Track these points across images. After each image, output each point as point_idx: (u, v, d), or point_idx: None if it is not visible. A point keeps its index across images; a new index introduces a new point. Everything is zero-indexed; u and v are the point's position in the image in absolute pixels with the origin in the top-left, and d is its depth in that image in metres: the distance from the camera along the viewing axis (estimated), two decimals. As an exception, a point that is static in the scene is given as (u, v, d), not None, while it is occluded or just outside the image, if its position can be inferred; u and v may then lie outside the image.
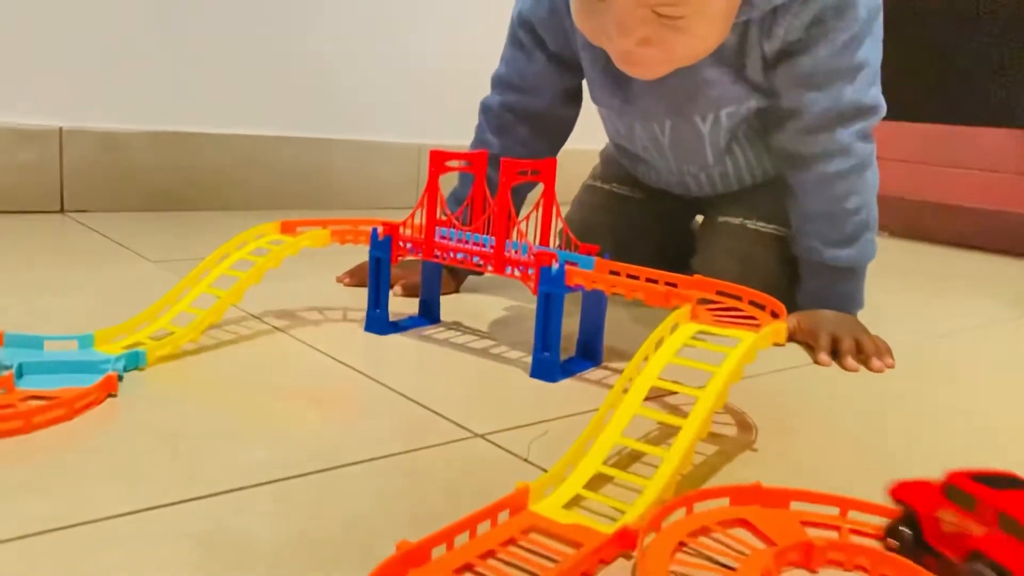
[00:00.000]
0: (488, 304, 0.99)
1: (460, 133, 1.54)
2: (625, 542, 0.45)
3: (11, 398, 0.58)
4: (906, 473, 0.60)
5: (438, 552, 0.42)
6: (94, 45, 1.37)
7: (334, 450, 0.55)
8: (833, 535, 0.48)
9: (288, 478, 0.51)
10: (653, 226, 1.10)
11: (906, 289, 1.32)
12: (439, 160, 0.79)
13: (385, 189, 1.73)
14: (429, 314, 0.89)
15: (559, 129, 1.02)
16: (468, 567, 0.42)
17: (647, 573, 0.41)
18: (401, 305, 0.92)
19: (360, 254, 1.06)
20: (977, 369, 0.90)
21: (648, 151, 1.01)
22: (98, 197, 1.39)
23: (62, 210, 1.36)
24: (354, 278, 1.03)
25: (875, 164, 0.92)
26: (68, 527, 0.43)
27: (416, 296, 0.93)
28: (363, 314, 0.88)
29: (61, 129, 1.34)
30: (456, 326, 0.88)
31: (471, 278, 1.07)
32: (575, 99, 1.02)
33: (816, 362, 0.85)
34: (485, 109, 1.01)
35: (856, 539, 0.48)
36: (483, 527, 0.45)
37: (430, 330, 0.86)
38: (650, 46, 0.77)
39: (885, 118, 0.92)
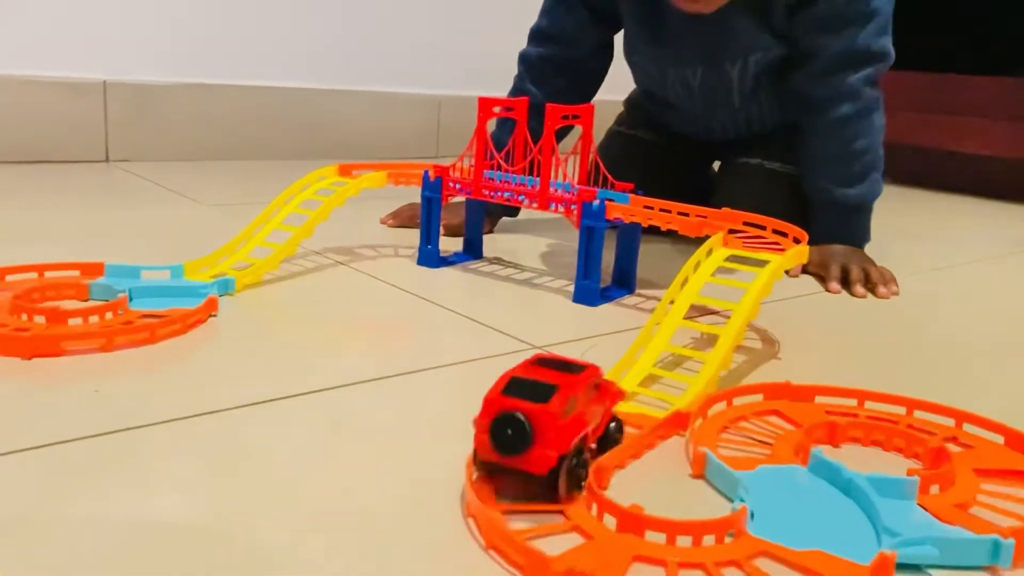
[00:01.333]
0: (522, 243, 1.07)
1: (478, 86, 1.62)
2: (679, 423, 0.53)
3: (130, 316, 0.66)
4: (908, 373, 0.69)
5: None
6: (134, 1, 1.42)
7: (418, 357, 0.63)
8: (853, 420, 0.57)
9: (386, 377, 0.59)
10: (674, 169, 1.17)
11: (907, 230, 1.40)
12: (487, 106, 0.86)
13: (406, 139, 1.79)
14: (473, 250, 0.97)
15: (593, 79, 1.10)
16: (551, 441, 0.50)
17: (700, 440, 0.50)
18: (443, 243, 1.00)
19: (399, 199, 1.14)
20: (972, 296, 0.99)
21: (679, 96, 1.09)
22: (140, 147, 1.45)
23: (107, 159, 1.43)
24: (397, 219, 1.11)
25: (882, 109, 1.00)
26: (213, 412, 0.52)
27: (456, 236, 1.01)
28: (412, 251, 0.96)
29: (104, 82, 1.40)
30: (498, 261, 0.96)
31: (503, 220, 1.15)
32: (609, 50, 1.10)
33: (827, 290, 0.93)
34: (524, 60, 1.08)
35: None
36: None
37: (475, 264, 0.94)
38: None
39: (892, 67, 0.99)
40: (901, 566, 0.39)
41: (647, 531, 0.40)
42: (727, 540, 0.40)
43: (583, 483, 0.44)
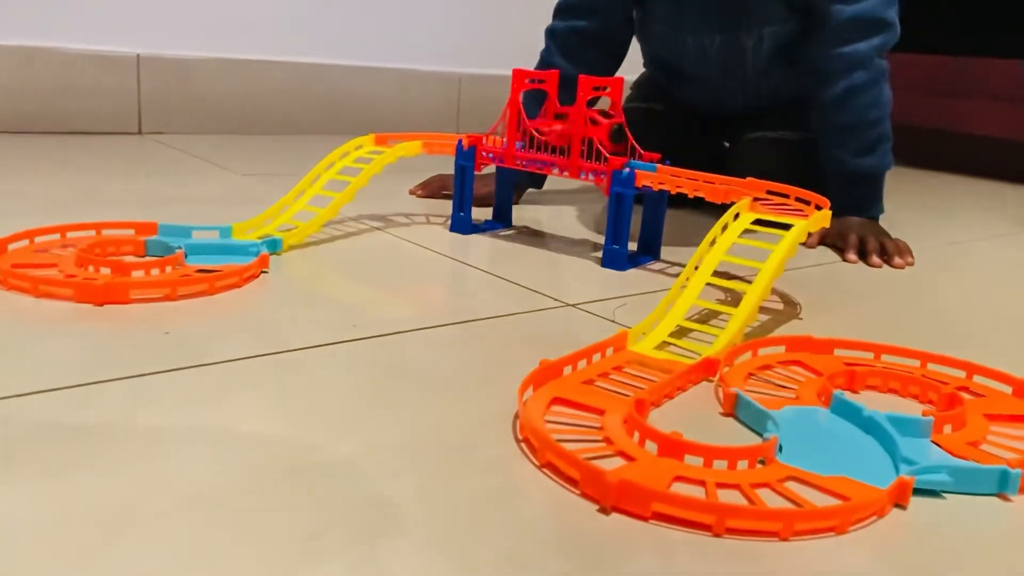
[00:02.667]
0: (548, 213, 1.11)
1: (498, 64, 1.64)
2: (708, 369, 0.57)
3: (186, 271, 0.70)
4: (922, 334, 0.73)
5: (567, 371, 0.54)
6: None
7: (461, 311, 0.67)
8: (871, 369, 0.60)
9: (432, 327, 0.63)
10: (687, 140, 1.21)
11: (920, 209, 1.43)
12: (521, 78, 0.90)
13: (427, 115, 1.83)
14: (502, 218, 1.01)
15: (618, 50, 1.14)
16: (590, 382, 0.54)
17: (729, 383, 0.54)
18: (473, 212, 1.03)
19: (427, 171, 1.18)
20: (982, 268, 1.02)
21: (695, 66, 1.13)
22: (172, 120, 1.49)
23: (140, 132, 1.47)
24: (426, 190, 1.14)
25: (889, 82, 1.03)
26: (271, 354, 0.56)
27: (485, 206, 1.04)
28: (443, 219, 1.00)
29: (139, 56, 1.44)
30: (526, 230, 1.00)
31: (528, 192, 1.19)
32: (632, 22, 1.13)
33: (845, 260, 0.97)
34: (551, 34, 1.11)
35: (888, 374, 0.60)
36: (595, 358, 0.57)
37: (505, 232, 0.98)
38: None
39: (900, 49, 1.03)
40: (917, 491, 0.43)
41: (686, 455, 0.44)
42: (758, 467, 0.44)
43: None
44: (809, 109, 1.07)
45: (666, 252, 0.92)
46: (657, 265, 0.88)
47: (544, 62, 1.12)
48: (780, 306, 0.77)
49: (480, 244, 0.91)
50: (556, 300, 0.73)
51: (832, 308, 0.79)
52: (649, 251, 0.91)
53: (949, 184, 1.82)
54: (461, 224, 0.95)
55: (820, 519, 0.39)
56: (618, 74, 1.10)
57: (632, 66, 1.24)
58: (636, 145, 0.89)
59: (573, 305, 0.72)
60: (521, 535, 0.37)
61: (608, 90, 0.88)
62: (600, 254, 0.89)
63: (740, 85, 1.13)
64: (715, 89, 1.15)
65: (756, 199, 0.79)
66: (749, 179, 0.82)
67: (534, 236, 0.97)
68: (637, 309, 0.72)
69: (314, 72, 1.65)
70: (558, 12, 1.12)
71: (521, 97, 1.11)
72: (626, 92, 1.29)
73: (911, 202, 1.46)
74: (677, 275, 0.85)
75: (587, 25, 1.10)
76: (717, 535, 0.38)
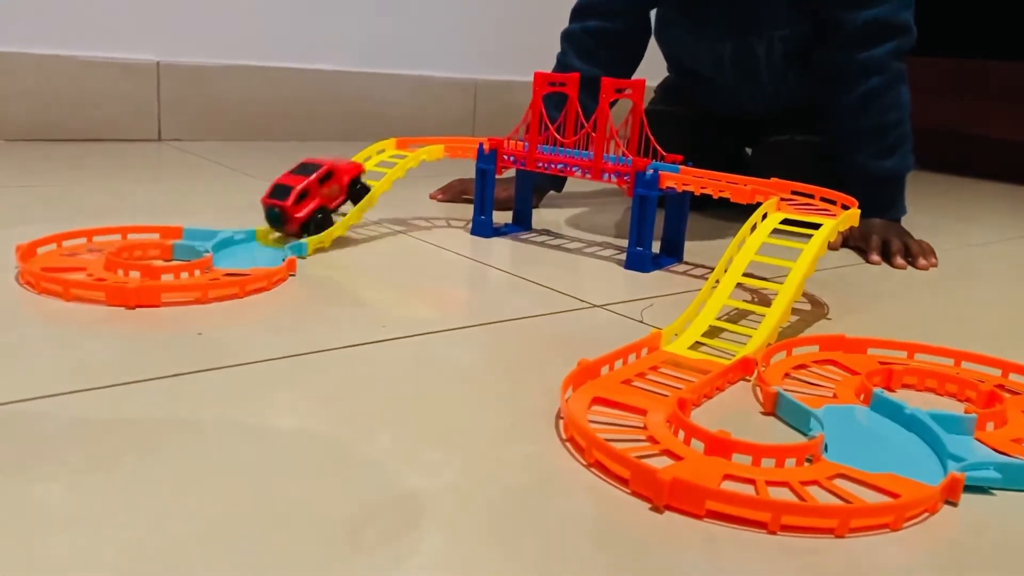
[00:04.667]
0: (568, 216, 1.11)
1: (513, 70, 1.64)
2: (745, 368, 0.57)
3: (215, 274, 0.70)
4: (950, 334, 0.73)
5: (604, 371, 0.54)
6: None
7: (489, 312, 0.67)
8: (907, 367, 0.60)
9: (460, 328, 0.63)
10: (709, 143, 1.21)
11: (939, 211, 1.42)
12: (543, 81, 0.90)
13: (443, 121, 1.83)
14: (523, 222, 1.00)
15: (635, 52, 1.14)
16: (628, 382, 0.54)
17: (768, 382, 0.53)
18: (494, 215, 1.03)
19: (446, 176, 1.18)
20: (1005, 270, 1.01)
21: (712, 70, 1.14)
22: (191, 126, 1.50)
23: (159, 138, 1.47)
24: (446, 194, 1.14)
25: (907, 84, 1.03)
26: (304, 354, 0.56)
27: (505, 209, 1.04)
28: (463, 223, 1.00)
29: (158, 63, 1.44)
30: (547, 232, 1.00)
31: (547, 196, 1.18)
32: (648, 25, 1.14)
33: (868, 262, 0.96)
34: (568, 36, 1.12)
35: (924, 373, 0.60)
36: (631, 359, 0.57)
37: (526, 235, 0.98)
38: None
39: (918, 52, 1.02)
40: (966, 488, 0.43)
41: (734, 454, 0.43)
42: (806, 465, 0.44)
43: (325, 227, 0.82)
44: (828, 112, 1.07)
45: (688, 254, 0.92)
46: (680, 267, 0.88)
47: (560, 64, 1.12)
48: (807, 307, 0.76)
49: (502, 247, 0.91)
50: (582, 301, 0.73)
51: (859, 309, 0.79)
52: (672, 253, 0.91)
53: (968, 187, 1.82)
54: (482, 227, 0.95)
55: (876, 515, 0.39)
56: (643, 77, 1.11)
57: (657, 69, 1.24)
58: (658, 147, 0.89)
59: (600, 306, 0.72)
60: (564, 531, 0.37)
61: (629, 92, 0.88)
62: (622, 256, 0.89)
63: (757, 89, 1.13)
64: (733, 93, 1.15)
65: (782, 199, 0.79)
66: (774, 179, 0.82)
67: (555, 239, 0.97)
68: (663, 310, 0.72)
69: (331, 79, 1.65)
70: (574, 14, 1.12)
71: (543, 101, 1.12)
72: (649, 95, 1.30)
73: (929, 204, 1.45)
74: (701, 276, 0.85)
75: (603, 26, 1.10)
76: (772, 532, 0.38)
